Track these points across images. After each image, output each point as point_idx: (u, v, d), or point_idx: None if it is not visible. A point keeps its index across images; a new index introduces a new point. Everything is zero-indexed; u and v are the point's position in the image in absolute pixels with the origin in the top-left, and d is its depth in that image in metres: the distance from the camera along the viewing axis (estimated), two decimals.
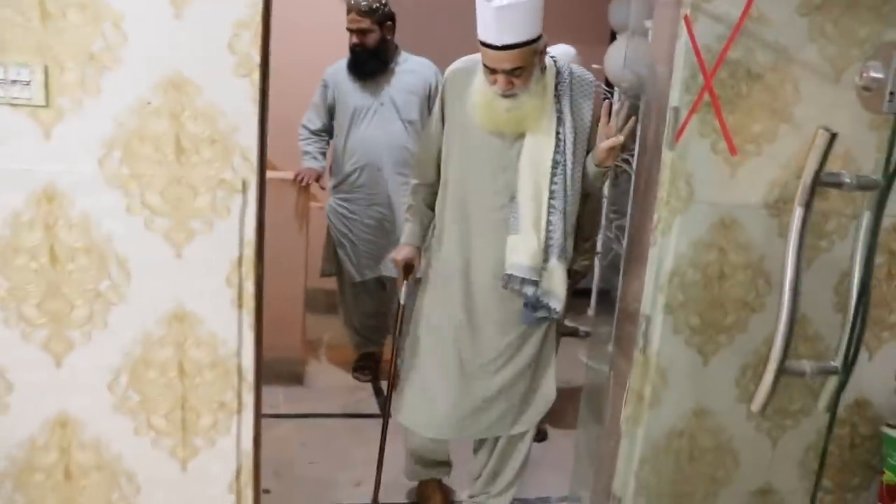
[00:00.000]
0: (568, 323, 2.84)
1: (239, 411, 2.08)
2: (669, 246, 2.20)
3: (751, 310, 2.29)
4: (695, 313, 2.26)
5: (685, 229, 2.18)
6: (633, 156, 2.64)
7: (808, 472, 2.56)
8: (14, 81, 1.78)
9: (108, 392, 2.02)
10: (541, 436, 3.38)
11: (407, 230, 2.67)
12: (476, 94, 2.36)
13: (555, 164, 2.36)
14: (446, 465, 2.90)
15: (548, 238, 2.40)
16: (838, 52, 2.16)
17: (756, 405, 1.46)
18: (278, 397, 3.55)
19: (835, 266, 2.34)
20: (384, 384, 3.66)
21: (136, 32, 1.81)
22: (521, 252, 2.38)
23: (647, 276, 2.24)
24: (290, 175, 3.65)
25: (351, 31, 3.55)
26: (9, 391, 1.97)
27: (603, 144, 2.32)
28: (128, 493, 2.10)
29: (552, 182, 2.36)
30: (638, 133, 2.38)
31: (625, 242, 2.48)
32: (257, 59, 1.87)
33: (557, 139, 2.36)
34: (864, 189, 1.42)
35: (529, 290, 2.40)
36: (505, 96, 2.28)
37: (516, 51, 2.19)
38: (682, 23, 2.02)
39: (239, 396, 2.07)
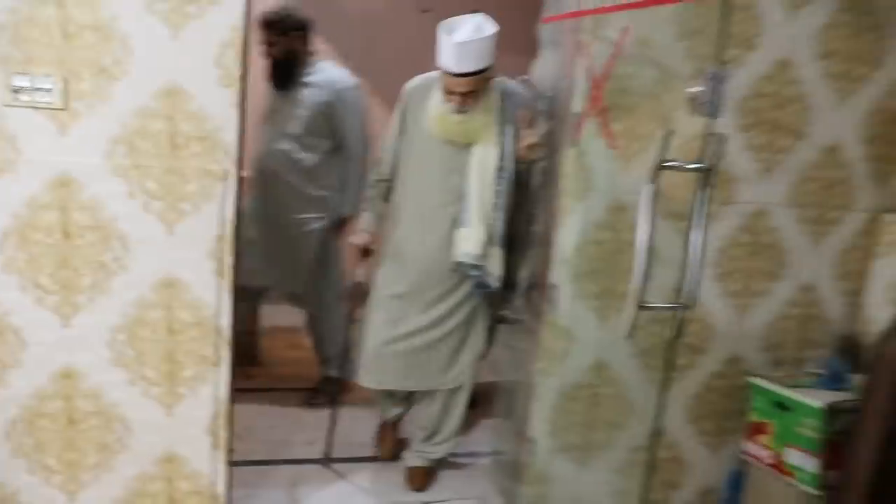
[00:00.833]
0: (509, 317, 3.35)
1: (217, 364, 2.49)
2: (573, 227, 2.69)
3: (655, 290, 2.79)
4: (594, 282, 2.75)
5: (585, 213, 2.68)
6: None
7: (692, 417, 3.08)
8: (38, 89, 2.17)
9: (107, 348, 2.40)
10: (471, 403, 3.85)
11: (365, 218, 3.13)
12: (433, 108, 2.85)
13: (499, 169, 2.85)
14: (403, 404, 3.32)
15: (491, 231, 2.89)
16: (693, 70, 2.67)
17: (623, 333, 1.95)
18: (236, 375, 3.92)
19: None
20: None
21: (140, 50, 2.22)
22: (470, 242, 2.87)
23: (554, 252, 2.73)
24: None
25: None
26: (23, 348, 2.35)
27: (522, 143, 2.82)
28: (121, 435, 2.49)
29: (497, 184, 2.86)
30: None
31: (537, 226, 2.97)
32: (238, 72, 2.30)
33: (501, 149, 2.86)
34: (695, 171, 1.92)
35: (476, 272, 2.90)
36: (458, 112, 2.77)
37: (471, 78, 2.70)
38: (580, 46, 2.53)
39: (217, 351, 2.48)
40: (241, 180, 2.40)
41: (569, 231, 2.70)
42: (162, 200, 2.33)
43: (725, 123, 2.72)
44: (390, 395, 3.23)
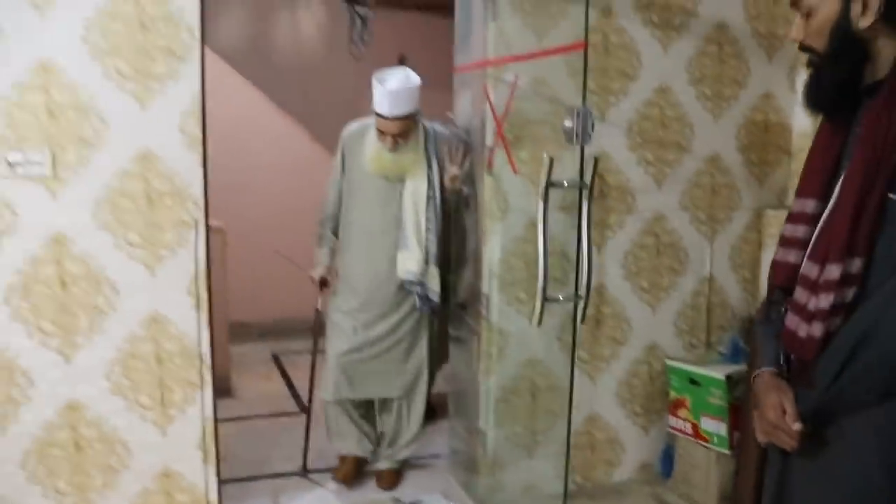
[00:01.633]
0: (452, 331, 3.77)
1: (202, 387, 2.88)
2: (496, 243, 3.14)
3: (561, 283, 3.23)
4: (521, 289, 3.20)
5: (505, 231, 3.13)
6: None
7: (622, 401, 3.52)
8: (31, 162, 2.58)
9: (105, 380, 2.78)
10: (429, 414, 4.26)
11: (320, 255, 3.51)
12: (369, 148, 3.26)
13: (428, 198, 3.27)
14: (363, 437, 3.57)
15: (426, 251, 3.30)
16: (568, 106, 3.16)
17: (534, 322, 2.39)
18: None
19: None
20: (299, 386, 4.50)
21: (115, 122, 2.64)
22: (410, 262, 3.29)
23: (483, 266, 3.18)
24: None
25: None
26: (31, 386, 2.71)
27: (447, 176, 3.27)
28: (123, 456, 2.85)
29: (427, 211, 3.27)
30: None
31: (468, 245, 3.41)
32: (200, 136, 2.73)
33: (429, 181, 3.27)
34: (574, 188, 2.38)
35: (417, 289, 3.32)
36: (391, 150, 3.19)
37: (401, 121, 3.12)
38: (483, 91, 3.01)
39: (201, 375, 2.87)
40: (207, 227, 2.81)
41: (493, 247, 3.15)
42: (143, 249, 2.74)
43: (616, 144, 3.24)
44: (346, 414, 3.50)
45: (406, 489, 3.54)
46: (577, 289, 2.42)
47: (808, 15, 1.47)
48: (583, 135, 2.29)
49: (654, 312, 3.51)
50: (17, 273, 2.63)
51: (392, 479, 3.56)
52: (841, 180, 1.46)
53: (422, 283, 3.32)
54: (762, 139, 3.53)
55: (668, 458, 3.59)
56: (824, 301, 1.43)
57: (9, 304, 2.63)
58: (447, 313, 3.66)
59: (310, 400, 3.72)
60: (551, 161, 2.31)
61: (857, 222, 1.39)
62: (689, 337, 3.57)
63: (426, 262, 3.31)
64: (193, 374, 2.86)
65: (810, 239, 1.53)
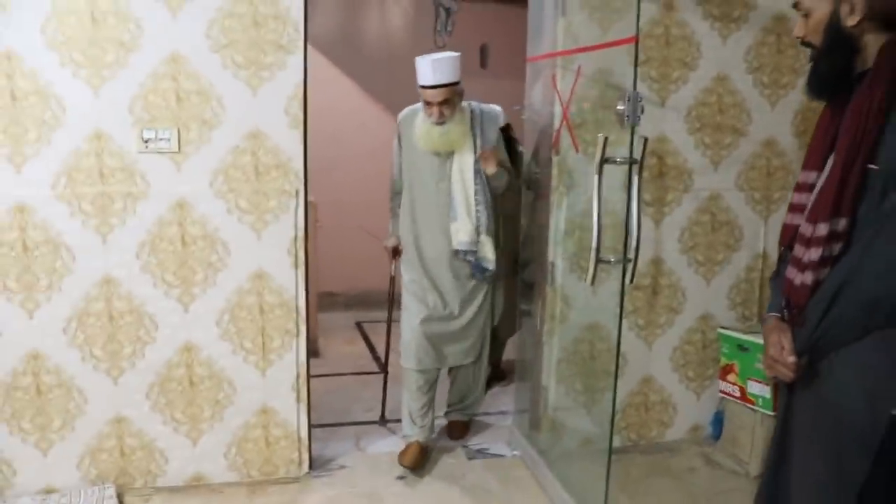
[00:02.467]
0: (522, 306, 4.09)
1: (297, 335, 3.31)
2: (561, 216, 3.47)
3: (617, 253, 3.51)
4: (583, 258, 3.50)
5: (570, 205, 3.45)
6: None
7: (675, 366, 3.80)
8: (161, 139, 3.04)
9: (216, 327, 3.24)
10: (499, 376, 4.63)
11: (392, 226, 3.80)
12: (419, 127, 3.47)
13: (476, 171, 3.46)
14: (428, 426, 3.72)
15: (477, 221, 3.50)
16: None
17: (588, 281, 2.72)
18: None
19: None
20: (379, 350, 4.92)
21: (231, 105, 3.08)
22: (461, 233, 3.50)
23: (549, 237, 3.51)
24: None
25: None
26: (155, 329, 3.19)
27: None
28: (229, 393, 3.30)
29: (475, 183, 3.47)
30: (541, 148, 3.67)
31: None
32: (302, 117, 3.15)
33: (475, 154, 3.47)
34: (627, 164, 2.67)
35: (471, 258, 3.55)
36: (438, 124, 3.38)
37: (444, 88, 3.32)
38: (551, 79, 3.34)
39: (297, 325, 3.30)
40: (306, 197, 3.23)
41: (559, 219, 3.47)
42: (251, 214, 3.17)
43: (676, 128, 3.51)
44: (424, 385, 3.65)
45: (473, 439, 3.92)
46: (625, 252, 2.72)
47: (806, 15, 1.76)
48: (633, 117, 2.59)
49: (708, 285, 3.77)
50: (147, 232, 3.10)
51: (462, 430, 3.94)
52: (833, 154, 1.75)
53: (474, 252, 3.53)
54: None
55: (718, 422, 3.85)
56: (815, 254, 1.72)
57: (139, 259, 3.11)
58: (516, 287, 3.99)
59: (386, 360, 4.13)
60: (605, 140, 2.62)
61: (843, 188, 1.68)
62: (742, 309, 3.82)
63: (477, 231, 3.50)
64: (290, 324, 3.29)
65: None
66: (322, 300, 5.39)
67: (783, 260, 1.96)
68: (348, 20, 6.28)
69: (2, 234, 2.97)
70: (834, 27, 1.71)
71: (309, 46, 3.16)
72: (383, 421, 4.05)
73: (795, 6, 1.80)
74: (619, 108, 2.62)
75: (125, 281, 3.11)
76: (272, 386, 3.33)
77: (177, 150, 3.07)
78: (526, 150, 3.91)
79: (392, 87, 6.25)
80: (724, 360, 3.70)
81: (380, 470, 3.52)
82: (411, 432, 3.67)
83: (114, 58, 2.96)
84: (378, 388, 4.17)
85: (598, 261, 2.70)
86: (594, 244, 2.69)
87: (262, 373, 3.31)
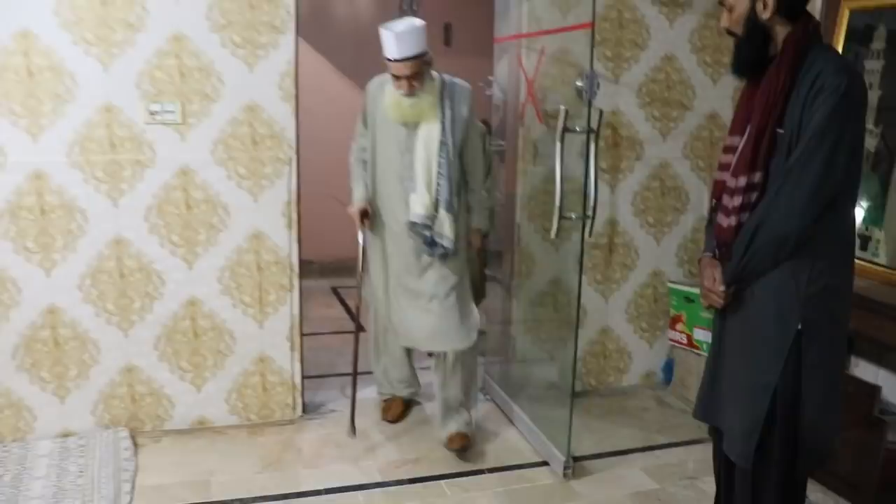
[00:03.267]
0: (488, 272, 4.40)
1: (291, 290, 3.66)
2: (527, 182, 3.86)
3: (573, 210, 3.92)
4: (546, 220, 3.89)
5: (534, 172, 3.84)
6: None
7: (630, 317, 4.23)
8: (166, 111, 3.35)
9: (217, 283, 3.57)
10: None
11: (356, 191, 3.57)
12: (387, 96, 3.30)
13: (441, 143, 3.28)
14: (409, 384, 3.92)
15: (437, 195, 3.32)
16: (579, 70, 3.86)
17: (552, 234, 3.11)
18: None
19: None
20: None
21: (229, 81, 3.40)
22: (418, 205, 3.32)
23: (517, 201, 3.90)
24: None
25: None
26: (162, 285, 3.51)
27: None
28: (229, 343, 3.64)
29: (439, 156, 3.28)
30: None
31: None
32: (293, 91, 3.48)
33: (442, 126, 3.28)
34: (585, 133, 3.06)
35: (426, 232, 3.34)
36: (407, 96, 3.23)
37: (411, 62, 3.14)
38: (517, 59, 3.71)
39: (291, 281, 3.65)
40: (298, 164, 3.57)
41: (524, 185, 3.86)
42: (249, 179, 3.50)
43: (628, 102, 3.91)
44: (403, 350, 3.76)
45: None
46: (584, 209, 3.12)
47: (730, 10, 2.17)
48: (590, 92, 2.98)
49: (658, 244, 4.20)
50: (154, 197, 3.41)
51: (463, 441, 3.65)
52: (750, 122, 2.16)
53: (429, 227, 3.33)
54: None
55: (668, 368, 4.30)
56: (737, 201, 2.14)
57: (147, 221, 3.42)
58: (485, 257, 4.36)
59: (358, 321, 4.43)
60: (566, 112, 3.01)
61: (758, 148, 2.09)
62: (689, 266, 4.26)
63: (435, 206, 3.32)
64: (285, 280, 3.64)
65: None
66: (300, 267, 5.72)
67: (714, 210, 2.36)
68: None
69: (21, 199, 3.26)
70: (751, 20, 2.12)
71: None
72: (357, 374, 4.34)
73: (721, 2, 2.20)
74: (577, 84, 3.00)
75: (134, 241, 3.42)
76: (269, 336, 3.68)
77: (181, 121, 3.38)
78: (492, 124, 4.26)
79: (360, 62, 6.57)
80: (672, 312, 4.14)
81: (366, 412, 3.89)
82: (392, 391, 3.94)
83: (122, 37, 3.25)
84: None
85: (561, 217, 3.09)
86: (557, 202, 3.08)
87: (259, 324, 3.65)
